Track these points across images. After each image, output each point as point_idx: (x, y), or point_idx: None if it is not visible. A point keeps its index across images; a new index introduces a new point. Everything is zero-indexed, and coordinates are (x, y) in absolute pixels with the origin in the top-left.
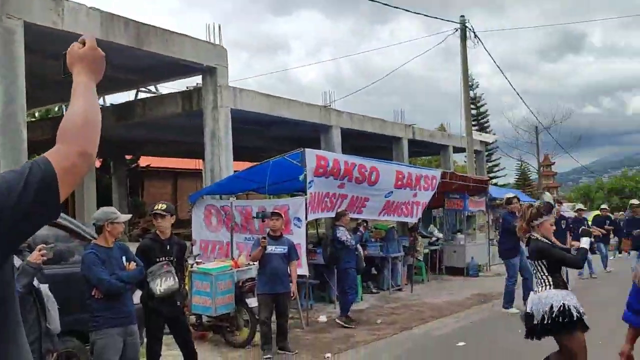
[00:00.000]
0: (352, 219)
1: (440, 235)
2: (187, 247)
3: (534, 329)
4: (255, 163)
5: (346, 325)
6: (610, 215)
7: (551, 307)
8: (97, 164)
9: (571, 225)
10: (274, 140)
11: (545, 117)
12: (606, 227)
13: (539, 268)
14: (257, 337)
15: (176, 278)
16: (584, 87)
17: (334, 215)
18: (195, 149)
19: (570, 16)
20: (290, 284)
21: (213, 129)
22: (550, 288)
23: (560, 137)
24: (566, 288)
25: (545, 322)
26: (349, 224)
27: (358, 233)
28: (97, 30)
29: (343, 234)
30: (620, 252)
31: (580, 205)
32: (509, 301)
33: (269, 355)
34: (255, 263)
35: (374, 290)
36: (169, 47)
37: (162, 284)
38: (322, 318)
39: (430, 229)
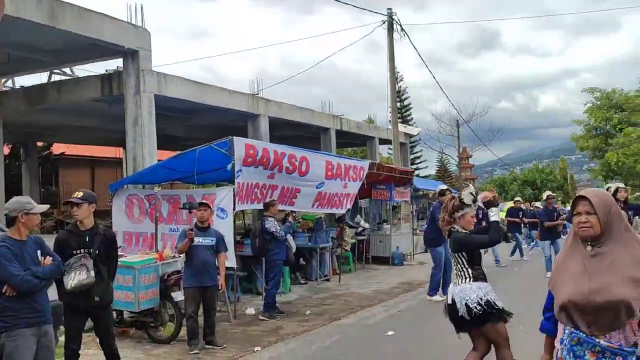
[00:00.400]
0: (281, 210)
1: (367, 226)
2: (115, 239)
3: (457, 320)
4: (179, 152)
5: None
6: (523, 206)
7: (473, 299)
8: (6, 150)
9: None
10: (199, 129)
11: (465, 111)
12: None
13: (459, 260)
14: (183, 332)
15: (91, 272)
16: (498, 83)
17: (261, 207)
18: (115, 137)
19: (485, 15)
20: (219, 276)
21: (135, 115)
22: (470, 281)
23: (478, 131)
24: (485, 280)
25: (469, 314)
26: (278, 215)
27: (287, 224)
28: (7, 5)
29: (272, 225)
30: (534, 241)
31: (517, 198)
32: (433, 289)
33: (195, 351)
34: (181, 255)
35: (302, 281)
36: (86, 27)
37: (75, 278)
38: (250, 310)
39: (357, 219)
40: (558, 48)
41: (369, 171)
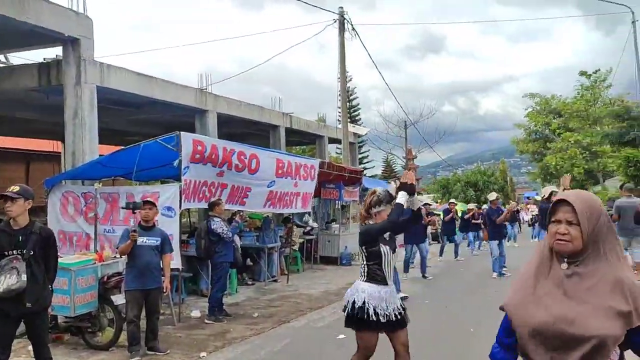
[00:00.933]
0: (227, 210)
1: (315, 225)
2: (53, 237)
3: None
4: (121, 147)
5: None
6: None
7: (354, 301)
8: None
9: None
10: (144, 124)
11: (412, 113)
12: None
13: (361, 256)
14: (123, 338)
15: (22, 276)
16: (442, 86)
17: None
18: (53, 129)
19: (431, 19)
20: (163, 278)
21: (75, 107)
22: (364, 279)
23: (425, 133)
24: (384, 283)
25: (347, 313)
26: (224, 214)
27: (234, 223)
28: None
29: (219, 225)
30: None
31: (471, 205)
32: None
33: (137, 357)
34: (123, 256)
35: (249, 282)
36: (22, 11)
37: (3, 283)
38: (195, 313)
39: (305, 218)
40: (499, 54)
41: (319, 170)
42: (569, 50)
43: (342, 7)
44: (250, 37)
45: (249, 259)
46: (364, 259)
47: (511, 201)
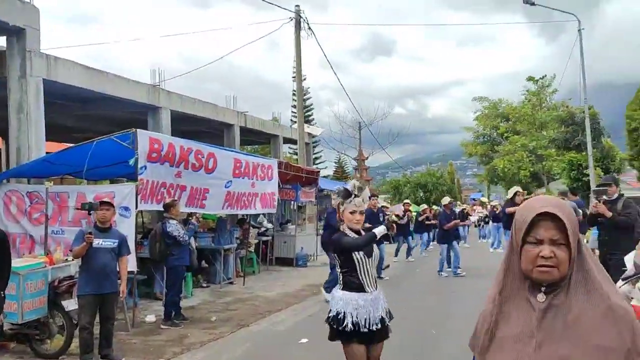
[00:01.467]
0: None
1: (270, 226)
2: (7, 240)
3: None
4: (71, 145)
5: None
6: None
7: (330, 310)
8: None
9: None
10: (93, 120)
11: (366, 114)
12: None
13: (336, 263)
14: (74, 345)
15: None
16: (393, 88)
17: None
18: None
19: (382, 21)
20: (119, 282)
21: (20, 101)
22: (340, 287)
23: (378, 135)
24: (361, 290)
25: (330, 325)
26: (180, 216)
27: (190, 226)
28: None
29: (175, 228)
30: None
31: (424, 205)
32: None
33: None
34: (75, 259)
35: (204, 285)
36: None
37: None
38: (150, 317)
39: (259, 219)
40: (448, 58)
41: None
42: (514, 57)
43: (298, 6)
44: (196, 35)
45: (204, 261)
46: (338, 265)
47: (461, 204)
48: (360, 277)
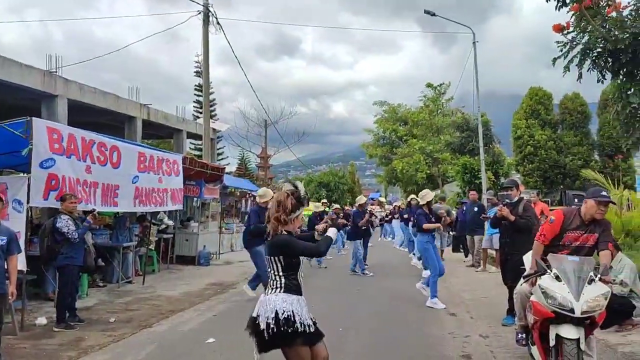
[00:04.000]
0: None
1: (171, 223)
2: None
3: (262, 336)
4: None
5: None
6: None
7: (276, 313)
8: None
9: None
10: None
11: (272, 112)
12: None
13: (274, 266)
14: None
15: None
16: (296, 88)
17: (86, 209)
18: None
19: (286, 21)
20: (8, 283)
21: None
22: (280, 291)
23: (282, 133)
24: (299, 293)
25: (269, 330)
26: (75, 211)
27: (85, 223)
28: None
29: (65, 223)
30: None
31: (413, 196)
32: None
33: None
34: None
35: (100, 284)
36: None
37: None
38: (41, 320)
39: (159, 216)
40: (348, 61)
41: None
42: (411, 63)
43: (207, 0)
44: (93, 20)
45: (100, 259)
46: (278, 269)
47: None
48: (299, 280)
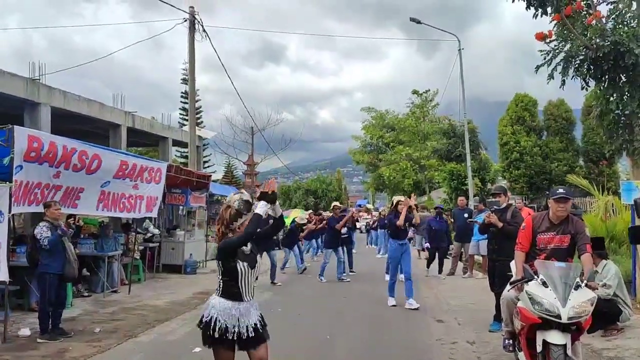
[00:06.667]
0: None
1: (157, 232)
2: None
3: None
4: None
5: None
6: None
7: (202, 316)
8: None
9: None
10: None
11: (259, 120)
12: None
13: (218, 269)
14: None
15: None
16: (281, 95)
17: (42, 210)
18: None
19: (271, 28)
20: None
21: None
22: (217, 295)
23: (268, 140)
24: (238, 299)
25: (201, 327)
26: (60, 218)
27: (59, 231)
28: None
29: (39, 230)
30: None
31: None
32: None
33: None
34: None
35: (85, 294)
36: None
37: None
38: (24, 331)
39: (145, 224)
40: (333, 68)
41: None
42: (396, 70)
43: (192, 7)
44: (70, 26)
45: (85, 269)
46: (219, 272)
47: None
48: (239, 287)
